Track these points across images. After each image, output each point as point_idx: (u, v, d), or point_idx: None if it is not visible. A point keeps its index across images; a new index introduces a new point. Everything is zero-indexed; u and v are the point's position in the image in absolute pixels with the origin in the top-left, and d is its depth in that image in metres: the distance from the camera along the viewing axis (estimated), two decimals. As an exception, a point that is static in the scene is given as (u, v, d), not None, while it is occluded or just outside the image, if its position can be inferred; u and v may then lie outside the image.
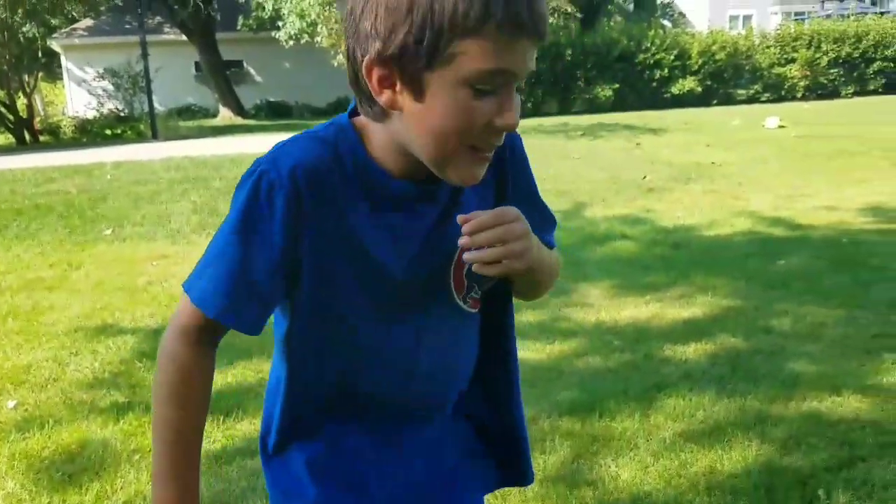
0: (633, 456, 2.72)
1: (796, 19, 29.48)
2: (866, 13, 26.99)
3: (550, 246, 1.12)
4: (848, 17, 25.50)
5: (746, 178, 9.08)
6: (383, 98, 0.91)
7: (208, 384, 1.04)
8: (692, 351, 3.71)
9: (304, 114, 22.76)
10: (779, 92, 21.75)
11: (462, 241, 0.94)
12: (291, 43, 18.19)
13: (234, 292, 0.96)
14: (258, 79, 25.34)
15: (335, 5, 15.90)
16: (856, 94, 21.73)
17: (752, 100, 21.36)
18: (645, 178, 9.14)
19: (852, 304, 4.33)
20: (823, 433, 2.82)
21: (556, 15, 15.85)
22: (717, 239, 6.24)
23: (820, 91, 21.79)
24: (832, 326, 4.00)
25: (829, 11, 30.98)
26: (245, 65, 25.39)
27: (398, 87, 0.89)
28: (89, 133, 17.73)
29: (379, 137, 0.97)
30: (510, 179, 1.09)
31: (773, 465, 2.63)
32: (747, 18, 34.17)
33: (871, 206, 7.13)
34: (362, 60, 0.89)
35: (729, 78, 21.57)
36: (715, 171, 9.70)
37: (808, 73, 21.75)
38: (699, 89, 20.96)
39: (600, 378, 3.39)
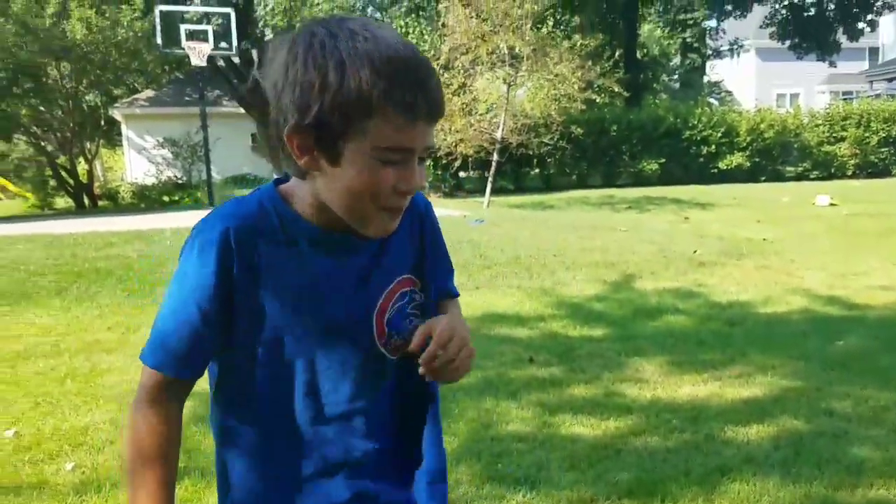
0: (696, 541, 2.63)
1: (844, 99, 29.45)
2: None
3: (454, 294, 1.31)
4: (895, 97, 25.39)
5: (799, 255, 8.95)
6: (303, 161, 1.04)
7: (172, 444, 1.13)
8: (754, 433, 3.61)
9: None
10: (828, 170, 21.56)
11: (426, 361, 1.11)
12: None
13: (175, 346, 1.09)
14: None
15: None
16: (908, 172, 21.44)
17: (800, 177, 21.20)
18: (696, 252, 9.07)
19: (917, 387, 4.20)
20: (896, 524, 2.71)
21: (602, 94, 16.07)
22: (773, 316, 6.13)
23: (870, 170, 21.55)
24: (895, 409, 3.88)
25: (878, 91, 30.86)
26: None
27: (315, 153, 1.03)
28: (147, 199, 18.33)
29: (303, 194, 1.10)
30: (428, 231, 1.25)
31: (844, 555, 2.52)
32: (794, 97, 34.24)
33: (929, 287, 6.96)
34: (284, 128, 1.02)
35: (777, 155, 21.49)
36: (766, 248, 9.59)
37: (858, 151, 21.56)
38: (747, 164, 20.89)
39: (660, 459, 3.32)
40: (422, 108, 1.00)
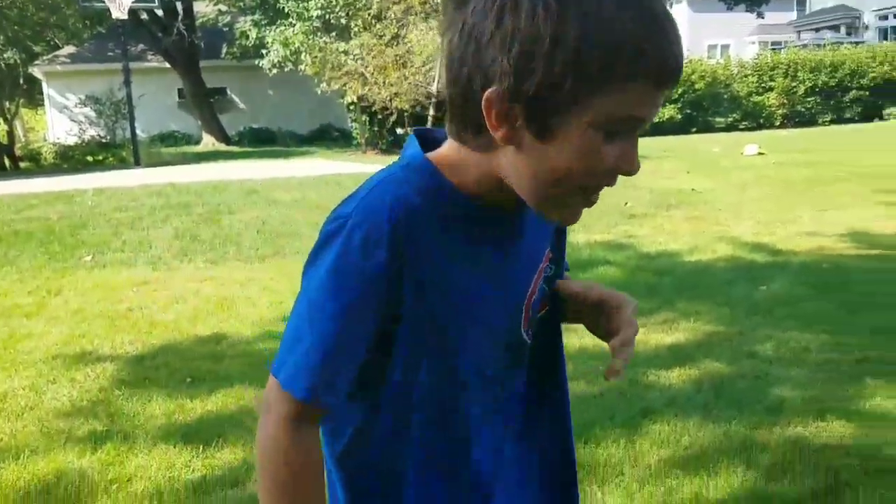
0: (618, 483, 2.69)
1: (773, 49, 30.03)
2: (842, 43, 27.53)
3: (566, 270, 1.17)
4: (824, 46, 26.00)
5: (727, 205, 9.16)
6: (499, 133, 0.83)
7: (320, 475, 0.93)
8: (677, 376, 3.70)
9: (288, 141, 22.80)
10: (757, 120, 22.06)
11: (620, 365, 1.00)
12: (275, 71, 18.28)
13: (329, 368, 0.88)
14: (242, 106, 25.37)
15: (319, 34, 15.99)
16: (833, 121, 22.08)
17: (730, 127, 21.65)
18: (626, 204, 9.19)
19: (835, 328, 4.35)
20: (809, 459, 2.82)
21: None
22: (701, 265, 6.26)
23: (798, 119, 22.13)
24: (816, 351, 4.01)
25: (806, 41, 31.58)
26: (229, 92, 25.44)
27: (519, 124, 0.82)
28: (71, 159, 17.63)
29: (475, 170, 0.89)
30: None
31: (759, 492, 2.61)
32: (725, 48, 34.75)
33: (850, 232, 7.19)
34: (481, 90, 0.81)
35: (708, 106, 21.85)
36: (696, 198, 9.78)
37: (786, 101, 22.08)
38: (679, 117, 21.20)
39: (586, 404, 3.37)
40: (674, 72, 0.81)
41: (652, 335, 4.37)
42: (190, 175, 12.33)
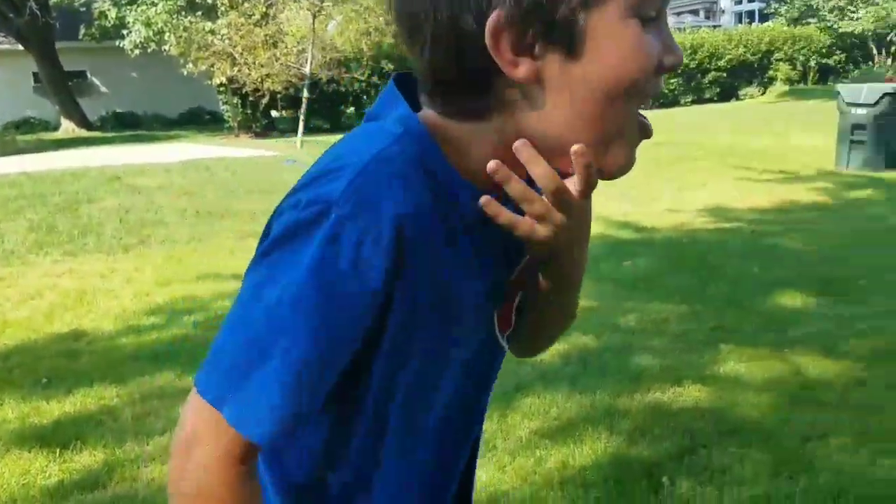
0: (490, 456, 2.75)
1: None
2: (700, 26, 29.03)
3: None
4: (684, 30, 27.32)
5: (601, 185, 9.48)
6: (521, 71, 0.66)
7: None
8: (547, 352, 3.80)
9: (154, 124, 21.81)
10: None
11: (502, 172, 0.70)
12: (137, 52, 17.41)
13: (299, 403, 0.67)
14: (104, 89, 24.02)
15: (183, 13, 15.33)
16: (694, 102, 23.27)
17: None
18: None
19: (692, 300, 4.60)
20: (667, 423, 2.97)
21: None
22: (571, 242, 6.46)
23: (662, 100, 23.18)
24: (675, 322, 4.23)
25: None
26: (89, 75, 24.03)
27: (539, 50, 0.65)
28: (-90, 148, 16.20)
29: (476, 146, 0.71)
30: None
31: (621, 456, 2.73)
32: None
33: (708, 208, 7.62)
34: (478, 29, 0.65)
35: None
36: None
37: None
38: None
39: (458, 383, 3.42)
40: None
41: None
42: (47, 163, 11.60)
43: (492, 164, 0.69)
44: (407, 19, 0.69)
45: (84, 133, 20.56)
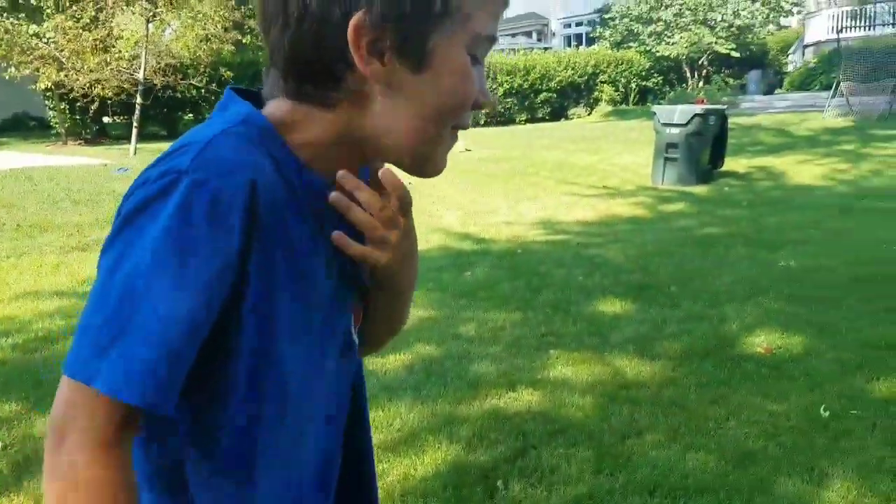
0: (336, 469, 2.82)
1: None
2: (533, 48, 30.44)
3: None
4: (518, 51, 28.55)
5: (439, 198, 9.77)
6: (370, 69, 0.73)
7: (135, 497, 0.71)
8: (392, 361, 3.93)
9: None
10: (465, 117, 23.65)
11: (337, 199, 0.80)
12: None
13: (173, 359, 0.67)
14: None
15: (5, 15, 14.23)
16: (527, 121, 24.35)
17: (441, 124, 22.98)
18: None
19: (525, 307, 4.90)
20: (502, 427, 3.17)
21: (255, 36, 15.69)
22: (413, 255, 6.63)
23: (499, 118, 24.08)
24: (509, 329, 4.49)
25: (502, 47, 34.41)
26: None
27: (389, 56, 0.73)
28: None
29: (320, 131, 0.77)
30: None
31: (460, 463, 2.89)
32: (434, 47, 36.71)
33: (540, 220, 8.08)
34: (343, 21, 0.71)
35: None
36: (412, 191, 10.28)
37: (489, 100, 23.95)
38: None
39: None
40: None
41: (367, 325, 4.57)
42: None
43: (340, 173, 0.79)
44: (282, 11, 0.73)
45: None
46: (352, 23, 0.71)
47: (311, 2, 0.71)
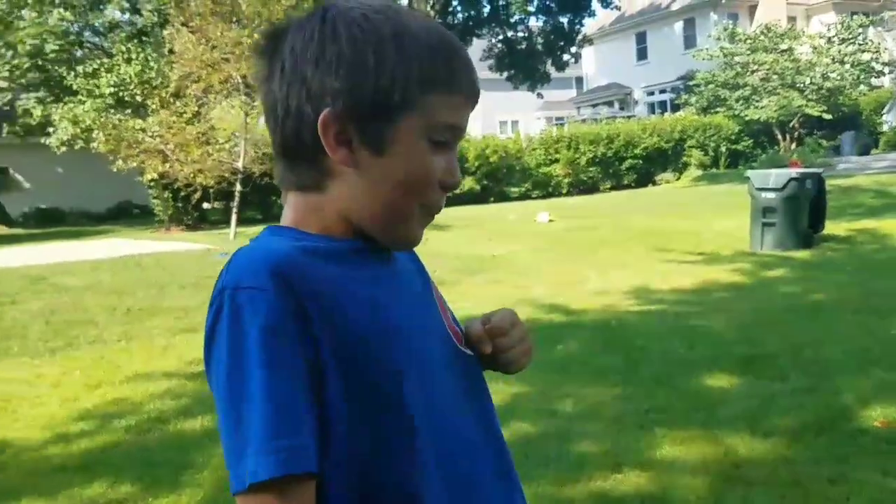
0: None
1: (557, 124, 32.58)
2: (616, 117, 30.49)
3: None
4: (600, 121, 28.67)
5: (525, 269, 9.75)
6: (338, 155, 0.86)
7: None
8: (488, 441, 3.84)
9: (81, 220, 21.39)
10: (547, 189, 23.72)
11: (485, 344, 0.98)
12: (64, 149, 17.23)
13: (286, 418, 0.76)
14: (27, 185, 23.52)
15: (112, 111, 15.31)
16: (612, 188, 24.22)
17: (524, 196, 23.10)
18: (434, 271, 9.47)
19: (625, 382, 4.75)
20: (609, 510, 3.03)
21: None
22: (504, 329, 6.57)
23: (582, 187, 24.05)
24: (610, 405, 4.34)
25: (585, 116, 34.64)
26: (11, 171, 23.53)
27: (355, 144, 0.87)
28: None
29: (320, 215, 0.90)
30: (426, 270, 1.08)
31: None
32: (514, 123, 37.33)
33: (632, 289, 7.90)
34: (314, 118, 0.85)
35: (502, 178, 23.26)
36: (497, 263, 10.31)
37: (571, 171, 23.99)
38: (477, 188, 22.35)
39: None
40: (475, 86, 0.91)
41: (463, 402, 4.51)
42: (-37, 263, 11.21)
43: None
44: (268, 105, 0.90)
45: (4, 230, 19.98)
46: (320, 118, 0.85)
47: (290, 104, 0.86)
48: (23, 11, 17.62)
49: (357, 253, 0.90)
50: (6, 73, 18.25)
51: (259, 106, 14.90)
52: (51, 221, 21.53)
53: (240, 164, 14.78)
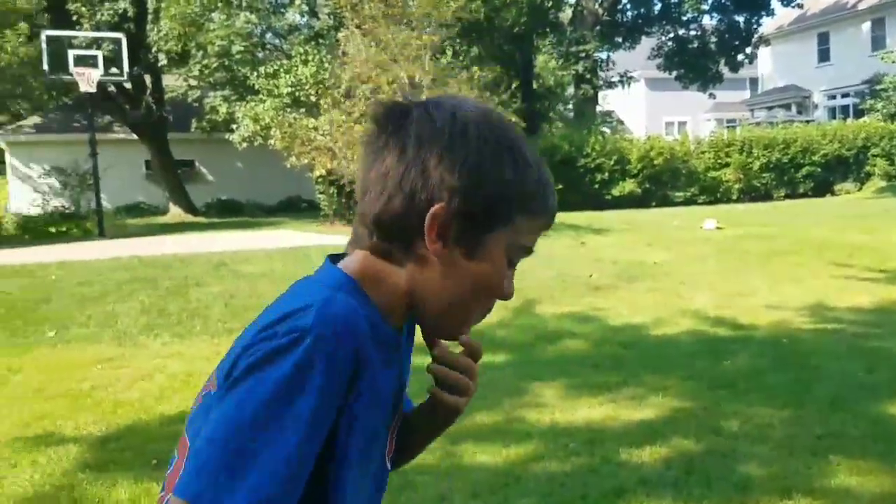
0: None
1: (728, 126, 31.11)
2: (793, 121, 28.67)
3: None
4: (776, 124, 27.05)
5: (688, 278, 9.36)
6: (435, 247, 0.90)
7: None
8: (647, 454, 3.74)
9: (256, 211, 22.89)
10: (715, 194, 22.67)
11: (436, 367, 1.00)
12: (244, 145, 18.47)
13: (290, 490, 0.81)
14: (210, 178, 25.47)
15: (288, 110, 16.21)
16: (787, 196, 22.79)
17: (689, 202, 22.19)
18: (591, 276, 9.36)
19: (796, 403, 4.46)
20: (778, 537, 2.86)
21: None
22: (664, 338, 6.37)
23: (753, 194, 22.80)
24: (779, 427, 4.10)
25: (759, 119, 32.81)
26: (196, 164, 25.55)
27: (451, 241, 0.91)
28: (32, 230, 17.40)
29: (391, 282, 0.93)
30: None
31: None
32: (682, 124, 35.97)
33: (807, 305, 7.40)
34: (426, 206, 0.89)
35: (667, 181, 22.46)
36: (657, 271, 9.98)
37: (742, 176, 22.81)
38: (638, 191, 21.74)
39: (558, 483, 3.39)
40: (555, 216, 0.99)
41: (622, 410, 4.42)
42: (156, 247, 12.27)
43: (439, 351, 1.00)
44: (376, 174, 0.92)
45: (189, 218, 21.73)
46: (432, 210, 0.89)
47: (404, 185, 0.89)
48: (213, 14, 19.02)
49: (395, 347, 0.96)
50: (196, 73, 19.75)
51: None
52: (229, 212, 23.17)
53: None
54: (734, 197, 22.77)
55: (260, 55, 20.33)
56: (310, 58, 17.33)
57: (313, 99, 16.39)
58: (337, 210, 17.69)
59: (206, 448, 0.81)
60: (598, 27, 26.43)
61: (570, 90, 31.05)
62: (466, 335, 1.00)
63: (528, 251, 0.97)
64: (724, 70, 27.88)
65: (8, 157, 23.85)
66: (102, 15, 19.32)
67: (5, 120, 20.83)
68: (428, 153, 0.90)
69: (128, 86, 21.46)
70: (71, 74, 15.26)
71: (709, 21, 28.23)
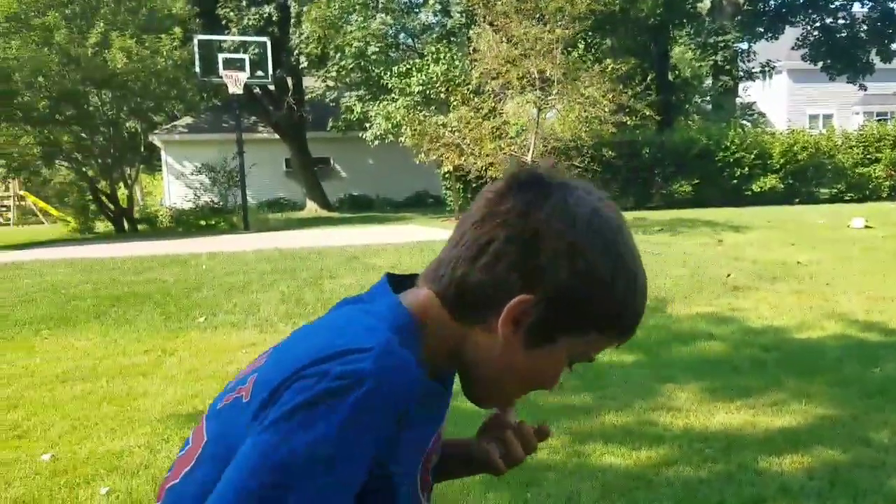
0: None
1: (879, 120, 28.98)
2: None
3: None
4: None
5: (834, 279, 8.82)
6: (504, 329, 0.88)
7: None
8: (788, 462, 3.57)
9: (385, 206, 23.53)
10: (863, 192, 21.20)
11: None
12: (377, 143, 19.01)
13: None
14: (343, 174, 26.39)
15: (419, 108, 16.51)
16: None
17: (835, 199, 20.87)
18: (729, 275, 8.98)
19: (959, 417, 4.12)
20: (936, 558, 2.66)
21: (633, 117, 16.03)
22: (809, 342, 6.04)
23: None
24: (938, 441, 3.80)
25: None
26: (332, 161, 26.53)
27: (522, 327, 0.88)
28: (184, 223, 18.65)
29: (448, 337, 0.91)
30: None
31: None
32: (827, 118, 33.82)
33: (972, 313, 6.80)
34: (516, 290, 0.86)
35: (811, 177, 21.21)
36: (801, 271, 9.46)
37: (893, 173, 21.20)
38: (781, 187, 20.65)
39: (692, 489, 3.29)
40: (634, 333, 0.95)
41: (761, 417, 4.23)
42: (294, 240, 12.84)
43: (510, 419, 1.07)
44: (486, 238, 0.88)
45: (324, 213, 22.61)
46: (519, 297, 0.87)
47: (501, 259, 0.87)
48: (350, 17, 19.65)
49: (437, 397, 0.95)
50: (334, 73, 20.46)
51: (551, 101, 15.35)
52: (361, 207, 23.92)
53: (528, 158, 15.15)
54: (884, 194, 21.20)
55: (393, 55, 20.80)
56: (441, 56, 17.58)
57: (443, 96, 16.61)
58: (462, 205, 17.87)
59: (235, 484, 0.79)
60: (738, 17, 25.27)
61: (708, 82, 29.85)
62: (546, 426, 1.08)
63: (591, 360, 0.96)
64: (875, 60, 25.98)
65: (164, 155, 25.59)
66: (249, 20, 20.37)
67: (161, 120, 22.33)
68: (546, 243, 0.86)
69: (271, 87, 22.50)
70: (220, 77, 16.18)
71: (859, 8, 26.37)
